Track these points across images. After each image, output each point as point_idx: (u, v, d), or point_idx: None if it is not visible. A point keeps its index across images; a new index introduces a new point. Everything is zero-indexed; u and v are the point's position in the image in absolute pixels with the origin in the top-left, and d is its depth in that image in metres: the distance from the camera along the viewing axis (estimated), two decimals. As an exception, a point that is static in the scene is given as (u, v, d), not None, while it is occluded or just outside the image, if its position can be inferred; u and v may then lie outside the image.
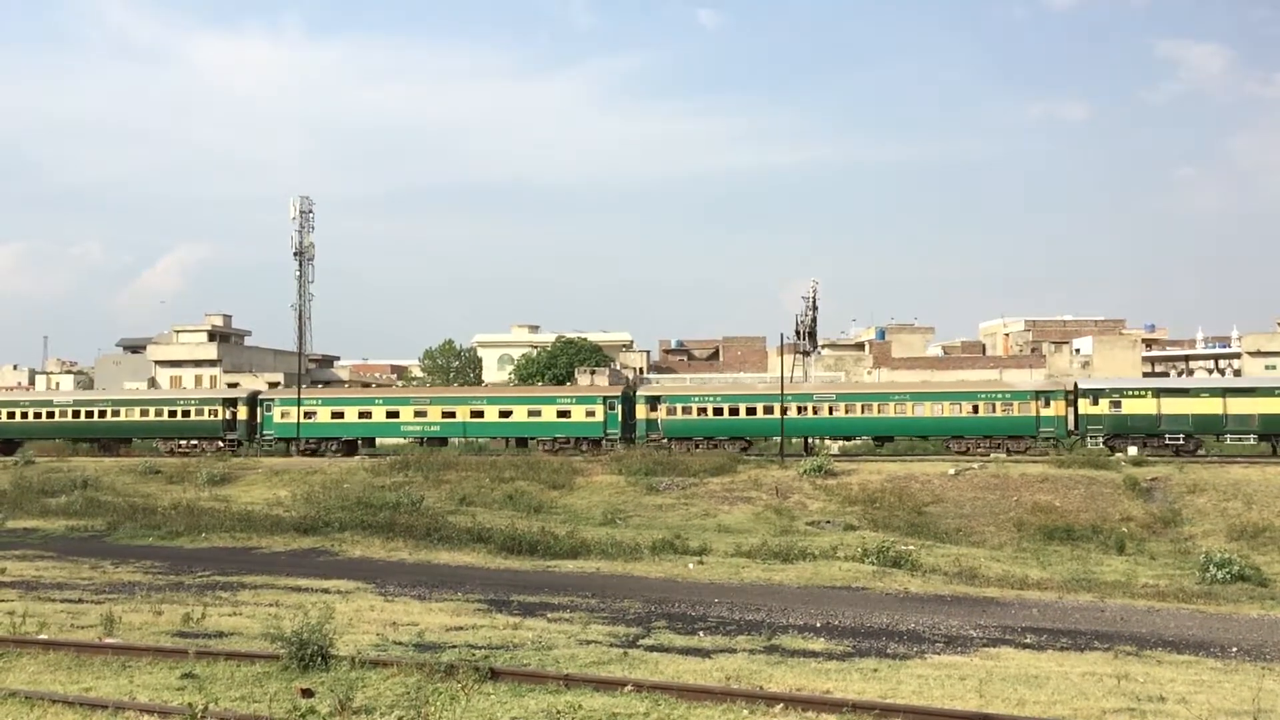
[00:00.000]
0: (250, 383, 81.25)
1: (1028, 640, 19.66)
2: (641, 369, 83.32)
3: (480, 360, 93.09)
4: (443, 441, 57.21)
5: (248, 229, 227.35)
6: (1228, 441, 48.80)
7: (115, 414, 60.18)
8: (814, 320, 79.59)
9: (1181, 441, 48.04)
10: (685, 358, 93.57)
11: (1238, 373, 76.69)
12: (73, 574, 26.98)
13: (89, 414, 60.49)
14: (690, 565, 29.03)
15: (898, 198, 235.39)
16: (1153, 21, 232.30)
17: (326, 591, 24.13)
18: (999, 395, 50.96)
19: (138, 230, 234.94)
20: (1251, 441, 48.35)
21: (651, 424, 53.75)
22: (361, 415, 57.18)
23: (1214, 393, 48.58)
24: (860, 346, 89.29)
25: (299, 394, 58.19)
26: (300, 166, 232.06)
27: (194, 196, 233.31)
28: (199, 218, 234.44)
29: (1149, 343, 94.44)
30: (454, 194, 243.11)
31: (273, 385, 78.48)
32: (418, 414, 56.58)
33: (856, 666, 16.73)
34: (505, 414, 55.74)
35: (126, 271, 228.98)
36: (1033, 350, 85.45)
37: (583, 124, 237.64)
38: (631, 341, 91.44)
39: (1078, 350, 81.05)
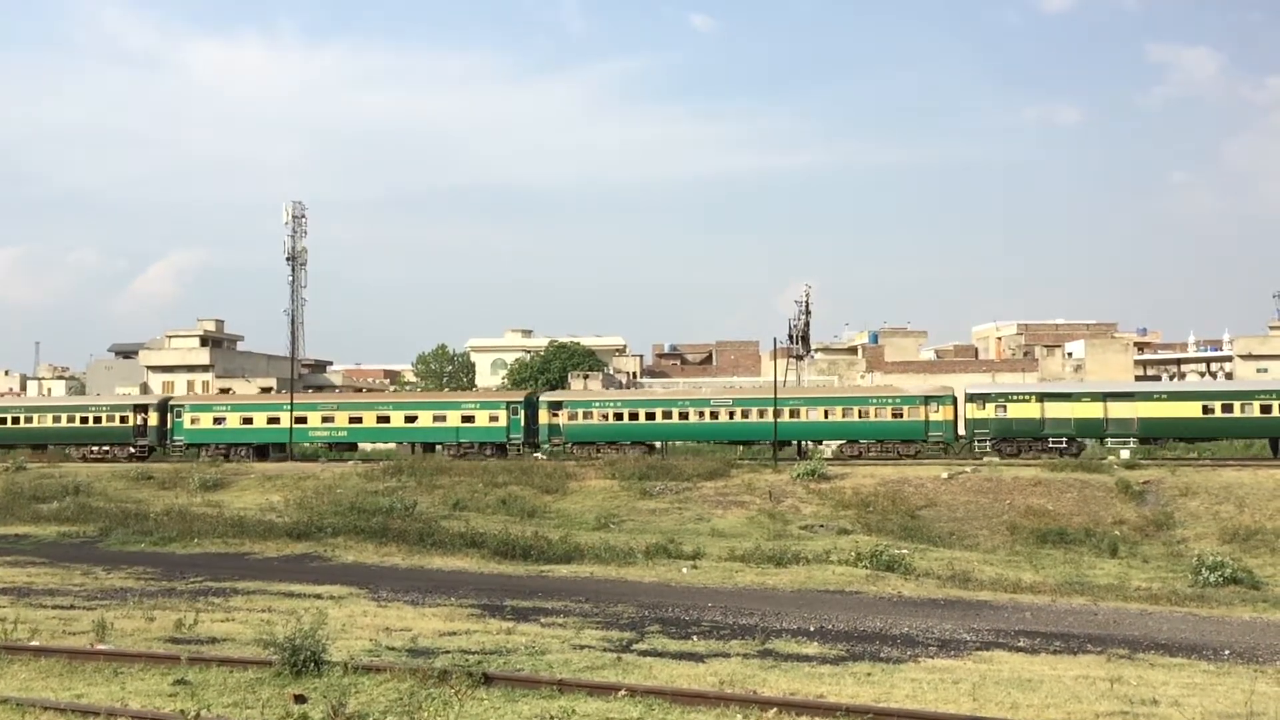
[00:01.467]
0: (243, 388, 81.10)
1: (1021, 643, 19.68)
2: (635, 373, 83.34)
3: (473, 365, 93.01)
4: (351, 446, 57.79)
5: (241, 234, 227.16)
6: (1108, 445, 49.81)
7: (29, 420, 60.62)
8: (807, 324, 79.84)
9: (1065, 445, 48.83)
10: (679, 362, 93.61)
11: (1229, 375, 76.91)
12: (64, 580, 26.89)
13: (2, 420, 60.90)
14: (684, 569, 29.01)
15: (891, 202, 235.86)
16: (1146, 25, 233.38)
17: (319, 597, 24.07)
18: (889, 401, 51.88)
19: (132, 236, 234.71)
20: (1131, 445, 49.29)
21: (554, 428, 54.22)
22: (270, 420, 57.79)
23: (1095, 397, 49.56)
24: (853, 350, 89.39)
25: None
26: (294, 171, 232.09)
27: (188, 202, 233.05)
28: (193, 223, 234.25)
29: (1141, 346, 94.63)
30: (448, 198, 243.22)
31: (265, 390, 78.31)
32: (325, 419, 57.24)
33: (850, 670, 16.73)
34: (411, 419, 56.51)
35: (120, 277, 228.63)
36: (1025, 354, 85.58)
37: (577, 128, 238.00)
38: (625, 346, 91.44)
39: (1070, 354, 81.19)
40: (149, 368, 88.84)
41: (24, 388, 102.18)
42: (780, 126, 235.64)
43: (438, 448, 56.00)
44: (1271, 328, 79.14)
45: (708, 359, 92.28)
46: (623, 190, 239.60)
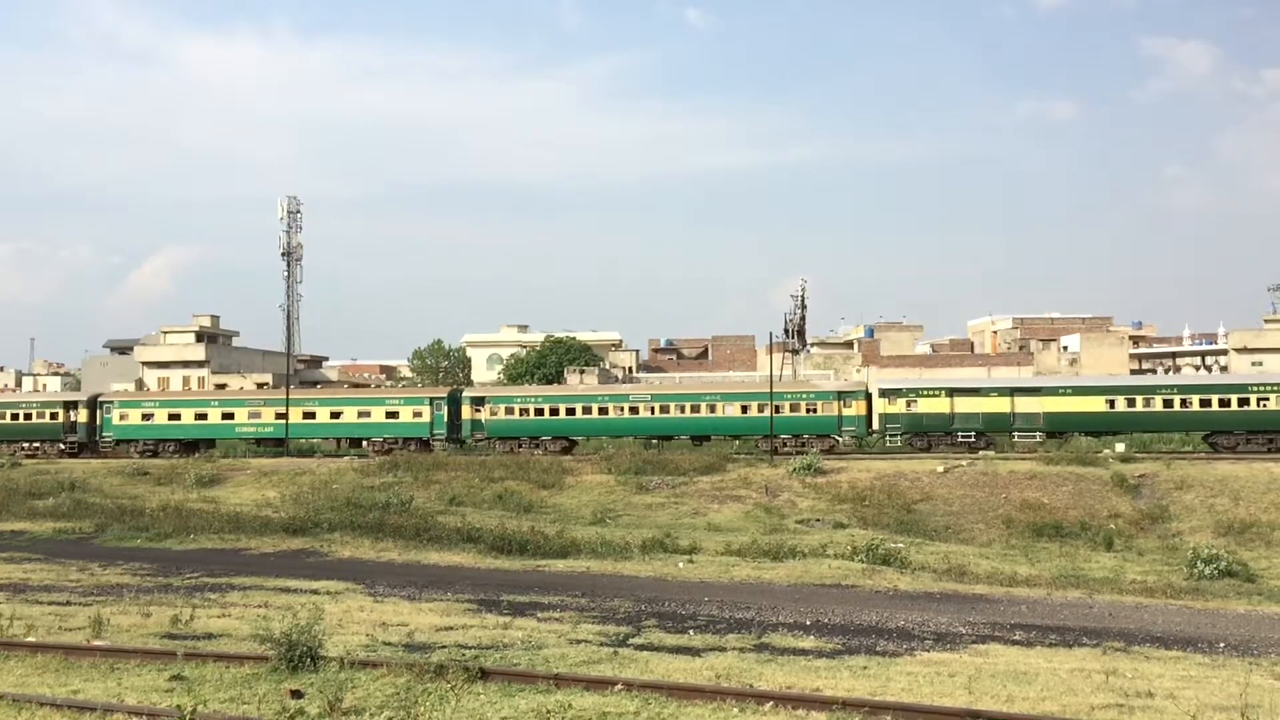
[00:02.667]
0: (237, 384, 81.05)
1: (1017, 637, 19.72)
2: (631, 368, 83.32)
3: (469, 360, 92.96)
4: (278, 442, 58.21)
5: (236, 230, 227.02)
6: (1015, 439, 50.44)
7: None
8: (803, 319, 79.80)
9: (973, 439, 49.65)
10: (675, 357, 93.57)
11: (1224, 369, 77.00)
12: (61, 576, 26.85)
13: None
14: (680, 564, 29.03)
15: (887, 197, 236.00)
16: (1140, 20, 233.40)
17: (315, 592, 24.06)
18: (804, 396, 52.71)
19: (127, 232, 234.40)
20: (1038, 439, 49.88)
21: (476, 424, 55.08)
22: (198, 416, 58.33)
23: (1003, 392, 50.58)
24: (849, 345, 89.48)
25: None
26: (289, 167, 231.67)
27: (183, 198, 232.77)
28: (188, 219, 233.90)
29: (1136, 340, 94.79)
30: (443, 194, 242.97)
31: (261, 386, 78.28)
32: (251, 415, 57.95)
33: (846, 664, 16.76)
34: (336, 415, 57.17)
35: (115, 273, 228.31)
36: (1020, 348, 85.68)
37: (572, 124, 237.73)
38: (621, 341, 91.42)
39: (1065, 347, 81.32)
40: (144, 364, 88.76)
41: (19, 384, 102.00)
42: (776, 122, 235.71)
43: (364, 443, 56.71)
44: (1266, 321, 79.27)
45: (704, 354, 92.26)
46: (618, 186, 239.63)
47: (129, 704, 13.68)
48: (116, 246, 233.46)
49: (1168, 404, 48.50)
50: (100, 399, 60.71)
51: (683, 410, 53.27)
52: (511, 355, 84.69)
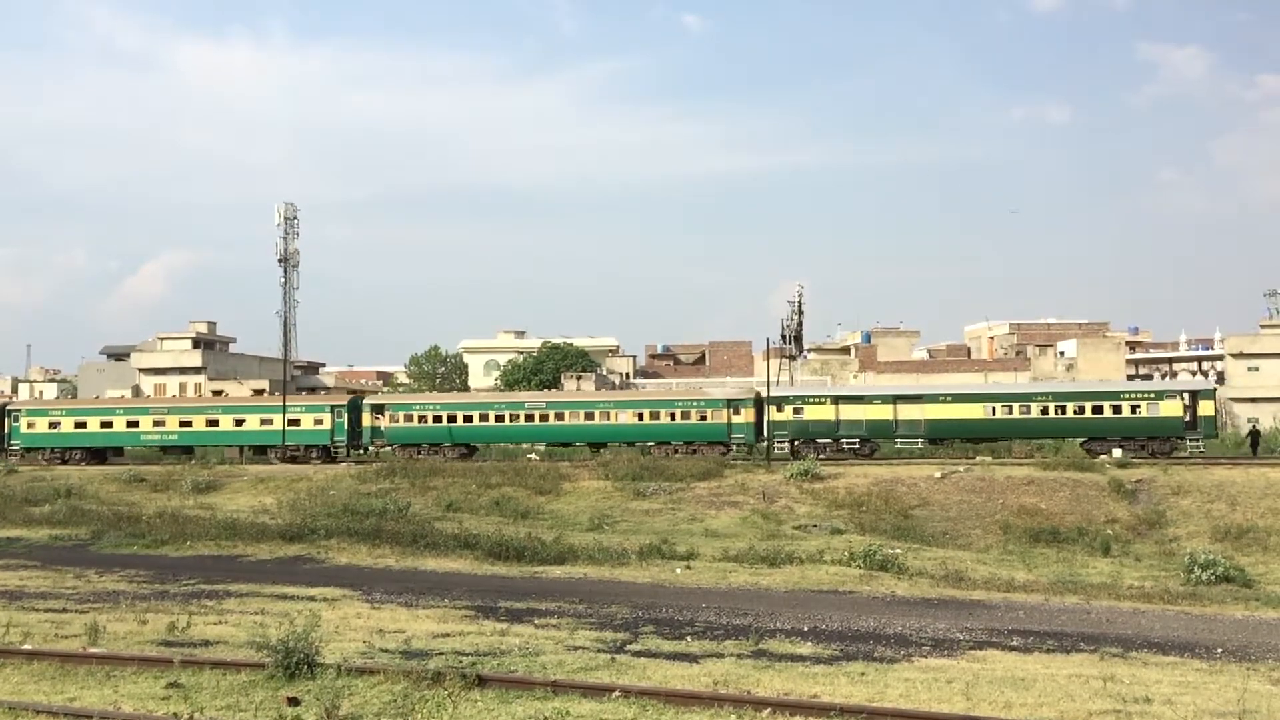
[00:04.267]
0: (234, 389, 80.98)
1: (1014, 642, 19.71)
2: (628, 373, 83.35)
3: (466, 366, 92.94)
4: (184, 450, 58.67)
5: (232, 235, 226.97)
6: (898, 445, 51.37)
7: None
8: (800, 324, 79.88)
9: (858, 445, 50.67)
10: (672, 362, 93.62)
11: (1220, 374, 77.10)
12: (56, 583, 26.79)
13: None
14: (677, 570, 29.00)
15: (883, 201, 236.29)
16: (1134, 25, 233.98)
17: (312, 599, 24.02)
18: (694, 403, 53.74)
19: (122, 237, 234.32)
20: (919, 446, 51.05)
21: (377, 431, 56.16)
22: (104, 424, 58.54)
23: (886, 400, 51.49)
24: (846, 350, 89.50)
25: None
26: (285, 172, 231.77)
27: (179, 202, 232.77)
28: (184, 224, 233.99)
29: (1132, 345, 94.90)
30: (440, 199, 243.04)
31: (257, 392, 78.22)
32: (156, 423, 58.24)
33: (844, 670, 16.74)
34: (239, 422, 57.74)
35: (111, 278, 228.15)
36: (1017, 353, 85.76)
37: (569, 128, 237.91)
38: (618, 346, 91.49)
39: (1062, 353, 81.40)
40: (141, 370, 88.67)
41: (15, 390, 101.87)
42: (773, 126, 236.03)
43: (268, 451, 57.21)
44: (1263, 326, 79.34)
45: (701, 359, 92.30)
46: (615, 191, 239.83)
47: (125, 711, 13.66)
48: (113, 251, 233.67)
49: (1045, 411, 49.53)
50: (8, 407, 60.98)
51: (578, 418, 54.41)
52: (509, 361, 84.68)
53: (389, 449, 55.99)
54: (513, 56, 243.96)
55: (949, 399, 51.18)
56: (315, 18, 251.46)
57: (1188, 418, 48.25)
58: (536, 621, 21.39)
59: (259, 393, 77.01)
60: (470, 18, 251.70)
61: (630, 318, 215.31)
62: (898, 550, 32.19)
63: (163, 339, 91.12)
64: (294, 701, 14.13)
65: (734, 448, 52.81)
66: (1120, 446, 48.21)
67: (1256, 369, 73.65)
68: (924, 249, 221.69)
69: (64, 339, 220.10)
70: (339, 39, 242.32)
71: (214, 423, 57.85)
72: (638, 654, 18.00)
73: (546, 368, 77.36)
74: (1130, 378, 76.79)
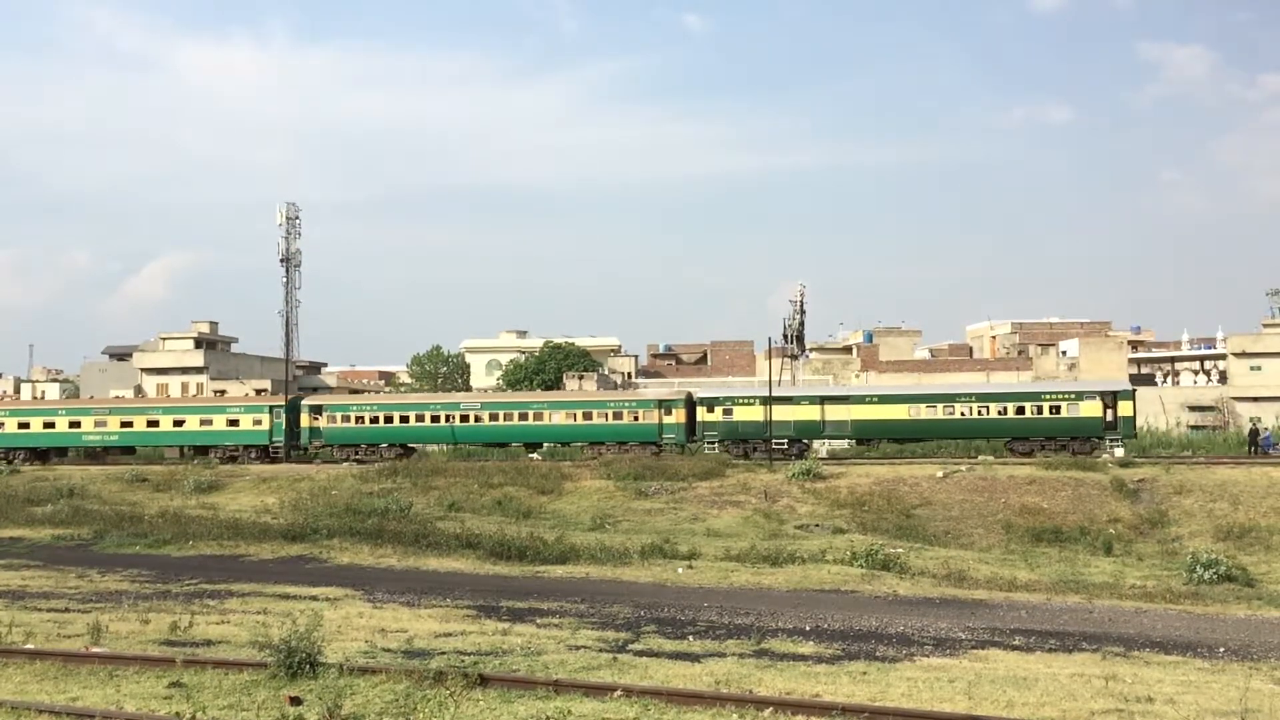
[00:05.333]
0: (236, 390, 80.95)
1: (1016, 642, 19.70)
2: (630, 373, 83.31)
3: (468, 366, 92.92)
4: (126, 450, 59.31)
5: (234, 235, 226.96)
6: (827, 445, 52.26)
7: None
8: (802, 324, 79.68)
9: (786, 445, 51.04)
10: (674, 362, 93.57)
11: (1223, 374, 77.04)
12: (59, 583, 26.84)
13: None
14: (679, 569, 29.00)
15: (885, 201, 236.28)
16: (1136, 24, 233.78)
17: (314, 599, 24.04)
18: (626, 404, 54.52)
19: (125, 237, 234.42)
20: (846, 445, 52.00)
21: (315, 431, 56.76)
22: (46, 425, 59.19)
23: (813, 401, 52.18)
24: (848, 350, 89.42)
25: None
26: (287, 172, 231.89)
27: (181, 203, 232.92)
28: (186, 224, 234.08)
29: (1135, 344, 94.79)
30: (442, 199, 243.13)
31: (259, 392, 78.21)
32: (98, 424, 58.87)
33: (846, 669, 16.75)
34: (179, 423, 58.28)
35: (113, 278, 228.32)
36: (1019, 353, 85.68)
37: (570, 129, 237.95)
38: (620, 346, 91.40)
39: (1064, 352, 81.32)
40: (143, 370, 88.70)
41: (18, 390, 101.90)
42: (773, 126, 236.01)
43: (209, 451, 57.63)
44: (1265, 325, 79.23)
45: (702, 359, 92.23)
46: (617, 191, 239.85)
47: (128, 710, 13.68)
48: (115, 252, 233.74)
49: (967, 412, 50.24)
50: None
51: (512, 418, 55.07)
52: (510, 361, 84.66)
53: (327, 449, 56.76)
54: (514, 57, 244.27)
55: (874, 400, 52.06)
56: (316, 19, 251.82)
57: (1107, 418, 48.95)
58: (538, 621, 21.41)
59: (260, 392, 77.03)
60: (471, 19, 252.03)
61: (632, 318, 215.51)
62: (900, 550, 32.19)
63: (165, 339, 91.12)
64: (296, 701, 14.14)
65: (665, 448, 53.37)
66: (1042, 447, 48.92)
67: (1259, 368, 73.54)
68: (926, 248, 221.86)
69: (66, 339, 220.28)
70: (340, 40, 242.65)
71: (154, 423, 58.53)
72: (640, 653, 18.01)
73: (548, 368, 77.33)
74: (1133, 377, 76.73)
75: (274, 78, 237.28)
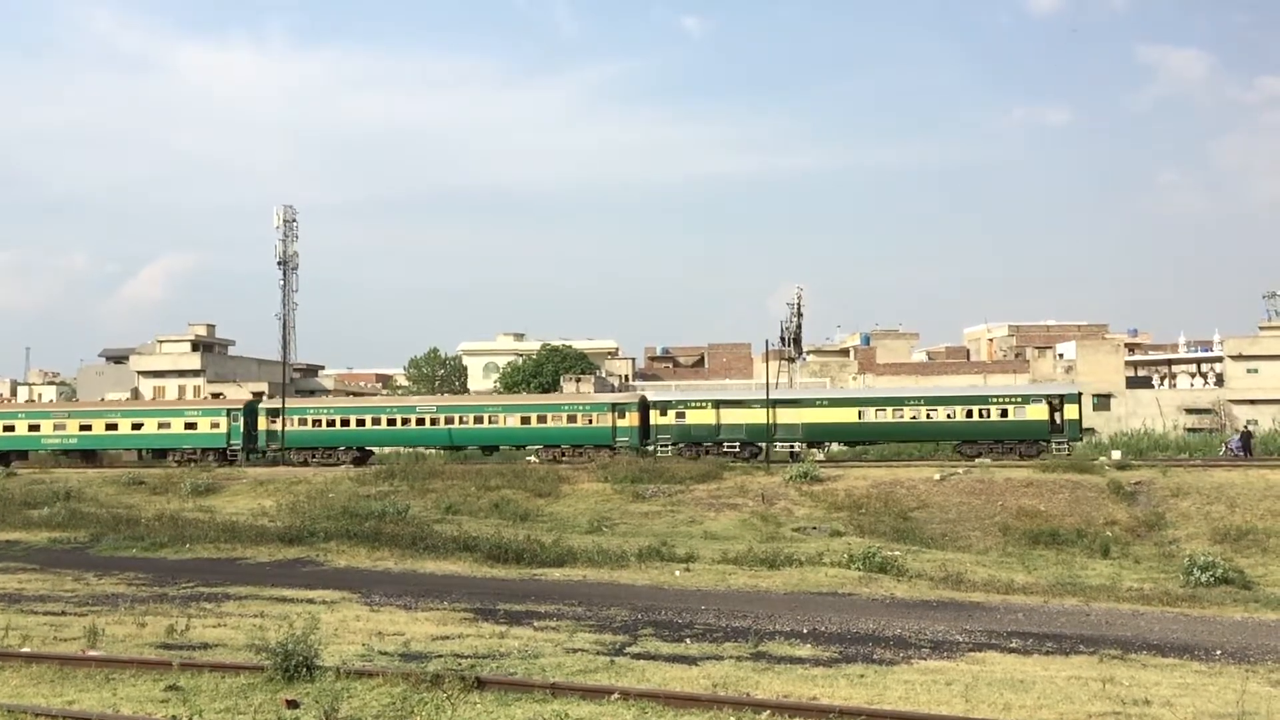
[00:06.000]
0: (234, 393, 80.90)
1: (1013, 644, 19.72)
2: (627, 376, 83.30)
3: (465, 368, 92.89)
4: (87, 454, 59.72)
5: (232, 238, 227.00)
6: (778, 448, 52.80)
7: None
8: (799, 326, 79.85)
9: (738, 448, 51.76)
10: (671, 364, 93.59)
11: (1219, 376, 77.14)
12: (56, 586, 26.79)
13: None
14: (677, 572, 29.01)
15: (883, 203, 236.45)
16: (1134, 27, 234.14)
17: (312, 602, 24.02)
18: (580, 407, 55.06)
19: (122, 239, 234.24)
20: (797, 448, 52.65)
21: (273, 435, 57.31)
22: (5, 429, 59.57)
23: (764, 404, 52.50)
24: (845, 353, 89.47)
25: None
26: (285, 175, 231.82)
27: (179, 205, 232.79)
28: (184, 227, 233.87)
29: (1132, 347, 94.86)
30: (440, 201, 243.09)
31: (257, 395, 78.17)
32: (57, 427, 59.31)
33: (843, 672, 16.75)
34: (138, 426, 58.69)
35: (111, 281, 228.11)
36: (1016, 355, 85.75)
37: (569, 131, 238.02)
38: (617, 349, 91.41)
39: (1061, 355, 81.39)
40: (140, 373, 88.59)
41: (14, 393, 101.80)
42: (772, 128, 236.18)
43: (168, 455, 58.11)
44: (1262, 328, 79.31)
45: (700, 361, 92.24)
46: (615, 193, 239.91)
47: (124, 714, 13.67)
48: (112, 254, 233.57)
49: (915, 415, 50.96)
50: None
51: (467, 421, 55.50)
52: (508, 363, 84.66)
53: (283, 452, 57.15)
54: (512, 59, 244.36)
55: (825, 403, 52.78)
56: (316, 21, 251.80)
57: (1054, 421, 49.55)
58: (535, 624, 21.40)
59: (258, 395, 76.99)
60: (470, 20, 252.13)
61: (630, 320, 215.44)
62: (897, 552, 32.21)
63: (162, 341, 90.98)
64: (293, 704, 14.12)
65: (619, 451, 53.69)
66: (990, 449, 49.52)
67: (1255, 371, 73.65)
68: (924, 251, 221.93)
69: (63, 342, 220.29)
70: (339, 42, 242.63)
71: (113, 426, 58.79)
72: (637, 656, 18.00)
73: (546, 370, 77.33)
74: (1129, 379, 76.87)
75: (273, 80, 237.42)
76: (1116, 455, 47.94)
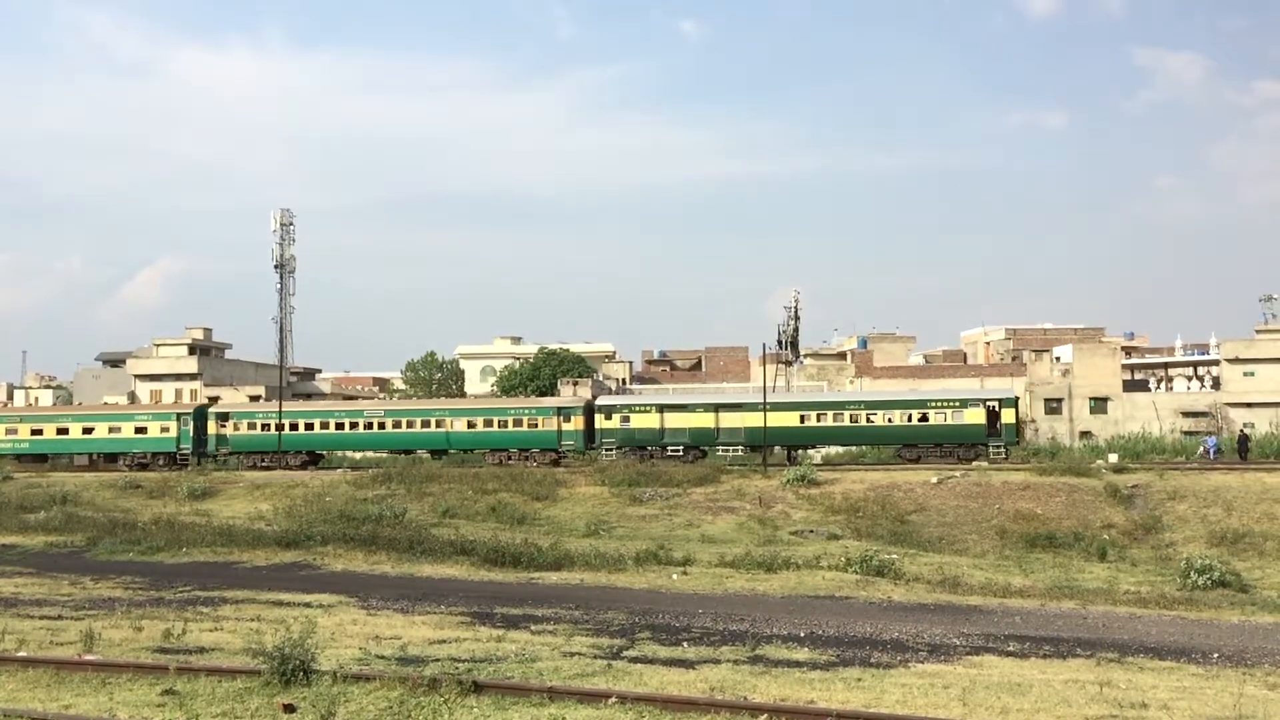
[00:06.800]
0: (230, 396, 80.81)
1: (1011, 648, 19.73)
2: (624, 379, 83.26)
3: (462, 372, 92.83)
4: (39, 458, 60.20)
5: (229, 241, 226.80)
6: (719, 451, 53.31)
7: None
8: (796, 330, 79.85)
9: (681, 452, 52.48)
10: (668, 368, 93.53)
11: (1216, 379, 77.21)
12: (52, 590, 26.75)
13: None
14: (674, 576, 29.00)
15: (880, 207, 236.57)
16: (1130, 31, 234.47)
17: (308, 605, 24.00)
18: (526, 411, 55.71)
19: (119, 243, 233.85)
20: (740, 452, 53.11)
21: (222, 439, 58.16)
22: None
23: (708, 409, 53.79)
24: (842, 356, 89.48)
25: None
26: (283, 178, 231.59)
27: (175, 209, 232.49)
28: (180, 230, 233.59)
29: (1129, 350, 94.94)
30: (437, 205, 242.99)
31: (254, 398, 78.11)
32: (9, 431, 60.38)
33: (840, 676, 16.75)
34: (89, 430, 59.60)
35: (108, 284, 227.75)
36: (1013, 358, 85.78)
37: (565, 134, 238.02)
38: (614, 352, 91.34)
39: (1058, 358, 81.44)
40: (137, 376, 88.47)
41: (11, 397, 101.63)
42: (769, 132, 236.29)
43: (119, 459, 58.63)
44: (1258, 331, 79.37)
45: (697, 365, 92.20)
46: (612, 196, 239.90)
47: (121, 718, 13.64)
48: (109, 258, 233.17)
49: (854, 419, 51.62)
50: None
51: (415, 425, 56.25)
52: (505, 367, 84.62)
53: (233, 456, 57.68)
54: (510, 63, 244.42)
55: (767, 408, 53.03)
56: (313, 26, 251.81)
57: (991, 425, 50.22)
58: (533, 627, 21.39)
59: (254, 398, 76.93)
60: (467, 24, 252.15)
61: (627, 323, 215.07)
62: (894, 556, 32.22)
63: (159, 345, 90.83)
64: (290, 708, 14.10)
65: (565, 455, 54.23)
66: (929, 453, 50.22)
67: (1252, 374, 73.65)
68: (921, 254, 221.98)
69: (60, 345, 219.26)
70: (337, 46, 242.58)
71: (64, 430, 59.54)
72: (634, 660, 17.99)
73: (543, 374, 77.26)
74: (1126, 383, 76.90)
75: (270, 84, 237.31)
76: (1113, 458, 47.98)
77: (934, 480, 43.66)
